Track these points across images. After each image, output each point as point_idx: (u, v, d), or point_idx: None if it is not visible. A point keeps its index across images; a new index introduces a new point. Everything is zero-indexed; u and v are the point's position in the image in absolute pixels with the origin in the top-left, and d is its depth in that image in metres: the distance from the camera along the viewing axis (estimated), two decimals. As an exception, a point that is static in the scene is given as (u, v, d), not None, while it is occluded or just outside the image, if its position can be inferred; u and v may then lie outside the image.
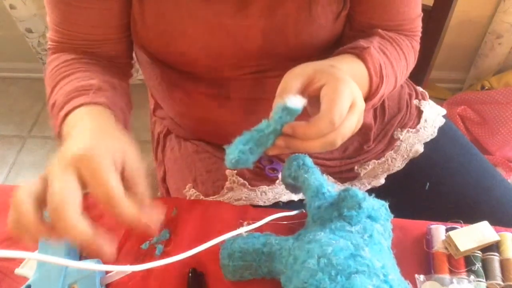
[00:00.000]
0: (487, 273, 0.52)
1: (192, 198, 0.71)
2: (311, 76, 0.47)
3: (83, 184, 0.40)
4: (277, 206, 0.68)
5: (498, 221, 0.57)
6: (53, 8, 0.61)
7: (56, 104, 0.55)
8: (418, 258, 0.55)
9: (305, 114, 0.48)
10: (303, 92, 0.47)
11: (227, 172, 0.71)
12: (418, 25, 0.68)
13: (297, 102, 0.44)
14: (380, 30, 0.63)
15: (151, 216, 0.41)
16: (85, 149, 0.41)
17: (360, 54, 0.56)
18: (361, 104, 0.47)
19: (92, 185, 0.39)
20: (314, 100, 0.48)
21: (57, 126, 0.53)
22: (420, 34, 0.69)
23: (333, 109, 0.44)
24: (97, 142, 0.43)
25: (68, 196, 0.38)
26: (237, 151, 0.43)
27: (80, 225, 0.37)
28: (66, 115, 0.52)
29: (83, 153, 0.40)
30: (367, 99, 0.59)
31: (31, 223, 0.38)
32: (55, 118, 0.54)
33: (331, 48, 0.64)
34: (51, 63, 0.63)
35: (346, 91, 0.45)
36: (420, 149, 0.75)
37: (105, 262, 0.58)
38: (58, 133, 0.53)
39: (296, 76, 0.47)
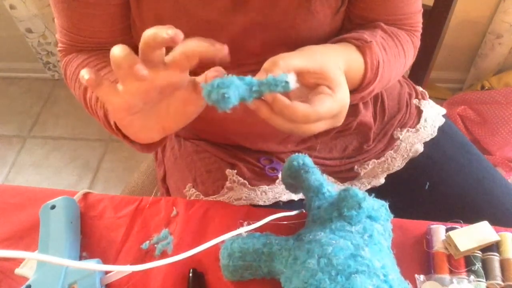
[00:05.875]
0: (487, 273, 0.52)
1: (192, 198, 0.71)
2: (316, 70, 0.47)
3: None
4: (277, 206, 0.68)
5: (498, 221, 0.57)
6: (59, 13, 0.63)
7: None
8: (418, 258, 0.55)
9: None
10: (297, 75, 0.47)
11: (227, 171, 0.71)
12: (418, 21, 0.68)
13: (294, 82, 0.45)
14: (382, 24, 0.62)
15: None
16: None
17: (361, 47, 0.56)
18: (339, 121, 0.49)
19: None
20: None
21: None
22: (420, 30, 0.69)
23: (320, 113, 0.45)
24: None
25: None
26: (221, 92, 0.43)
27: None
28: None
29: None
30: (355, 91, 0.59)
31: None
32: None
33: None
34: (71, 63, 0.65)
35: (342, 108, 0.48)
36: (420, 148, 0.75)
37: (105, 262, 0.58)
38: None
39: (300, 58, 0.47)
